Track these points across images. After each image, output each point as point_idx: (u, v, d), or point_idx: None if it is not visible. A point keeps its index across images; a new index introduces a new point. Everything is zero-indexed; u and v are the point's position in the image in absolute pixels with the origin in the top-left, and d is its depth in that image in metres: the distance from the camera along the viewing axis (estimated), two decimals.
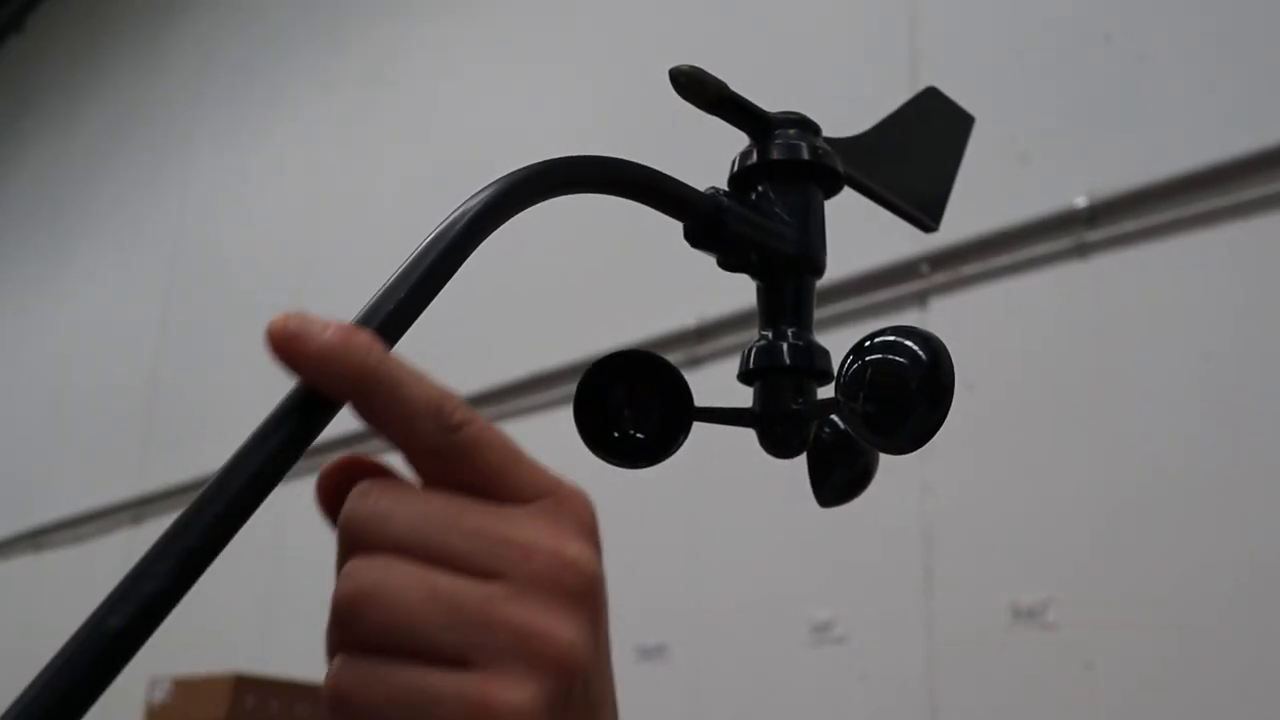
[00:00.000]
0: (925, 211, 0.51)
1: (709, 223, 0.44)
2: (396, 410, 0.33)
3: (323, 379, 0.32)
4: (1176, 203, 2.22)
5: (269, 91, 5.01)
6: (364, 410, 0.33)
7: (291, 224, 4.58)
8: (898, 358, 0.41)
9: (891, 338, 0.42)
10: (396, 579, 0.32)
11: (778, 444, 0.45)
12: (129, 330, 5.36)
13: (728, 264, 0.46)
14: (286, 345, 0.32)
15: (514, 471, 0.34)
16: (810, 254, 0.46)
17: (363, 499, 0.33)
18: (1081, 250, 2.32)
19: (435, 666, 0.31)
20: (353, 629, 0.32)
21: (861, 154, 0.49)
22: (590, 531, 0.35)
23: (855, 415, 0.42)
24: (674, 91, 0.45)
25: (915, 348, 0.41)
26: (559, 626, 0.32)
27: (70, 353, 5.80)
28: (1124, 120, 2.34)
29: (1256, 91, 2.19)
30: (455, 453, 0.33)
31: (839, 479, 0.46)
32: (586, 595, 0.34)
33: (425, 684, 0.31)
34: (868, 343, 0.42)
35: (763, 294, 0.46)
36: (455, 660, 0.31)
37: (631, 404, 0.46)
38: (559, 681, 0.32)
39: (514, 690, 0.31)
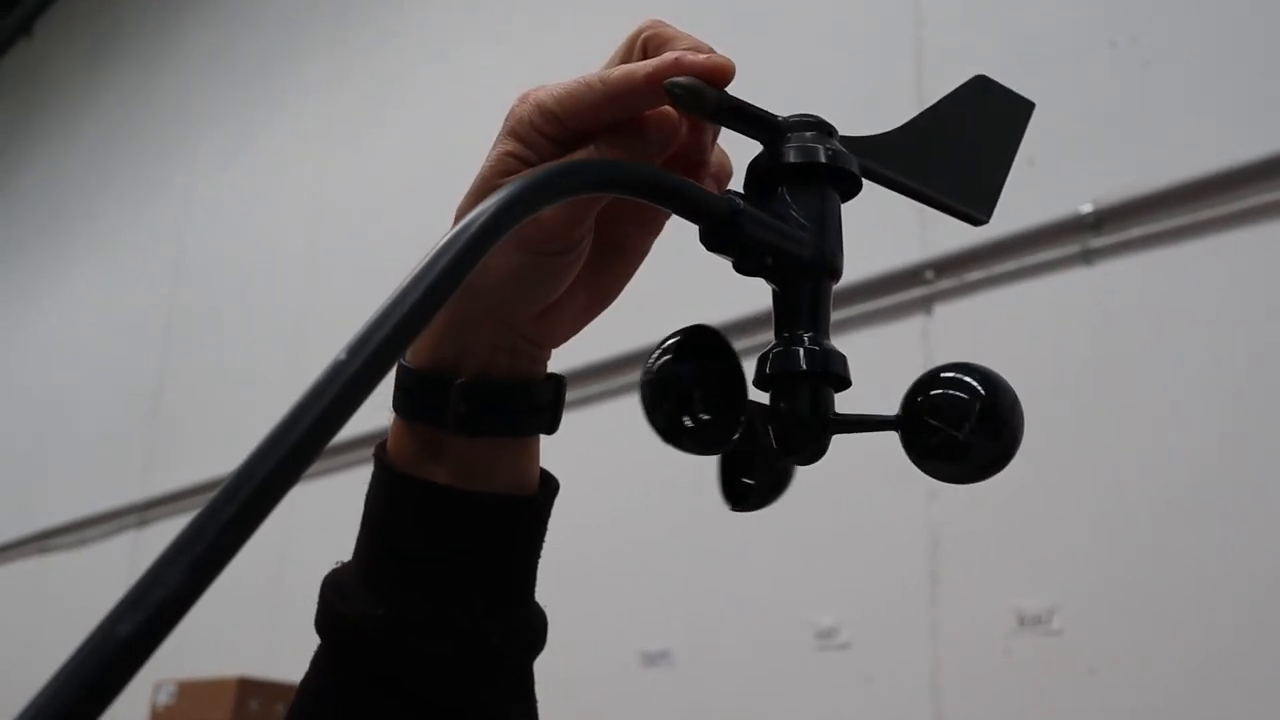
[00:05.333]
0: (974, 204, 0.50)
1: (725, 226, 0.44)
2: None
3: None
4: (1182, 209, 2.22)
5: (274, 96, 5.01)
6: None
7: (296, 227, 4.59)
8: (958, 392, 0.44)
9: (952, 374, 0.44)
10: None
11: (794, 450, 0.44)
12: (134, 333, 5.36)
13: (743, 268, 0.45)
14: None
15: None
16: (827, 257, 0.45)
17: None
18: (1087, 256, 2.32)
19: None
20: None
21: (896, 149, 0.48)
22: None
23: (917, 446, 0.44)
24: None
25: (974, 383, 0.44)
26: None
27: (75, 356, 5.81)
28: (1129, 127, 2.33)
29: (1262, 98, 2.18)
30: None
31: (760, 482, 0.47)
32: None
33: None
34: (930, 378, 0.44)
35: (779, 298, 0.46)
36: None
37: (700, 384, 0.45)
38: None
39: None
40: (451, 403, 0.48)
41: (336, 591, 0.51)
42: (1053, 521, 2.22)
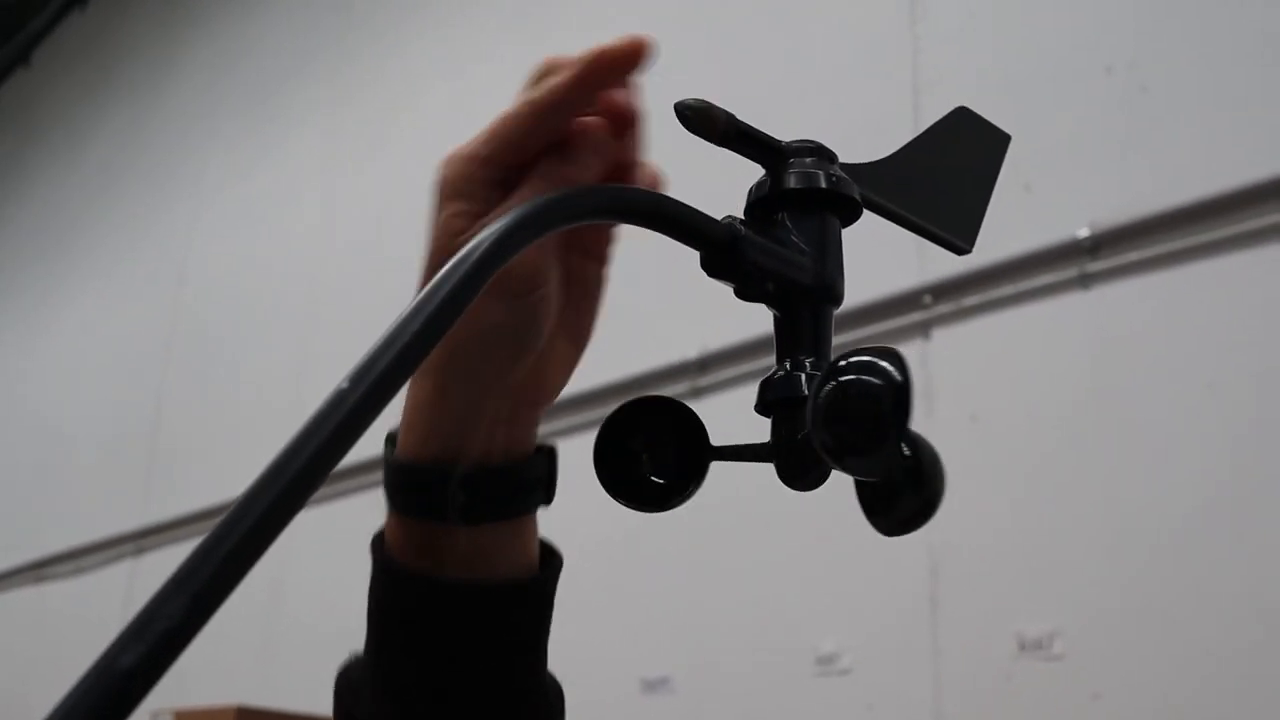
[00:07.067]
0: (957, 234, 0.51)
1: (725, 252, 0.44)
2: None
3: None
4: (1179, 233, 2.22)
5: (276, 119, 5.02)
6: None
7: (300, 252, 4.58)
8: (872, 378, 0.38)
9: (866, 358, 0.38)
10: None
11: (797, 477, 0.44)
12: (133, 359, 5.36)
13: (745, 294, 0.45)
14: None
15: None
16: (828, 283, 0.45)
17: None
18: (1084, 281, 2.32)
19: None
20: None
21: (886, 178, 0.49)
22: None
23: (824, 442, 0.39)
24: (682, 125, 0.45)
25: (889, 367, 0.38)
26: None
27: (74, 382, 5.79)
28: (1125, 151, 2.34)
29: (1257, 123, 2.19)
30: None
31: (904, 508, 0.46)
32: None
33: None
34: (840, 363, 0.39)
35: (780, 324, 0.46)
36: None
37: (650, 449, 0.47)
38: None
39: None
40: (450, 494, 0.47)
41: (350, 690, 0.50)
42: (1053, 546, 2.22)
